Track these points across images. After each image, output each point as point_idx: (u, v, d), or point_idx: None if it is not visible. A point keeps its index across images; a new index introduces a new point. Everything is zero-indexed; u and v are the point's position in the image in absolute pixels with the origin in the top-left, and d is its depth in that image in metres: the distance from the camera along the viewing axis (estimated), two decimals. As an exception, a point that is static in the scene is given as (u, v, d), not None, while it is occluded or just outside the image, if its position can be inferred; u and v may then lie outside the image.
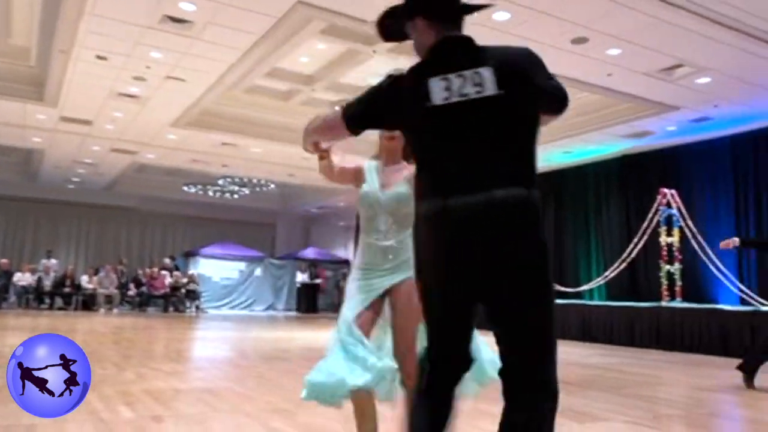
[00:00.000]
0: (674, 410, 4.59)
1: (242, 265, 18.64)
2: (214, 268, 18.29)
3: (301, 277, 18.26)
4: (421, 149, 1.75)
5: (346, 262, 20.04)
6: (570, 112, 10.24)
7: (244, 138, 11.73)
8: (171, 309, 16.45)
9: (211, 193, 18.57)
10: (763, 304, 8.86)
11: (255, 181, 16.92)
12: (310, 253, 19.79)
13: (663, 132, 10.20)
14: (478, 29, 6.78)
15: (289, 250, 21.31)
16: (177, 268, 17.67)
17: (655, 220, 10.09)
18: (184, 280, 17.00)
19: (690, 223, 9.82)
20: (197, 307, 16.80)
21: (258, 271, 18.71)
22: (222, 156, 13.46)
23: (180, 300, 16.68)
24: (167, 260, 17.95)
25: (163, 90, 9.27)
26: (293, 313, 17.84)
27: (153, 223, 20.12)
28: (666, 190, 10.07)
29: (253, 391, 4.60)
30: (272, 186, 17.82)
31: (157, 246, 20.16)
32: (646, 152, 11.17)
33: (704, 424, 4.19)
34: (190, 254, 18.98)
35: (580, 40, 7.01)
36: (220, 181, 17.14)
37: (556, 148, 11.17)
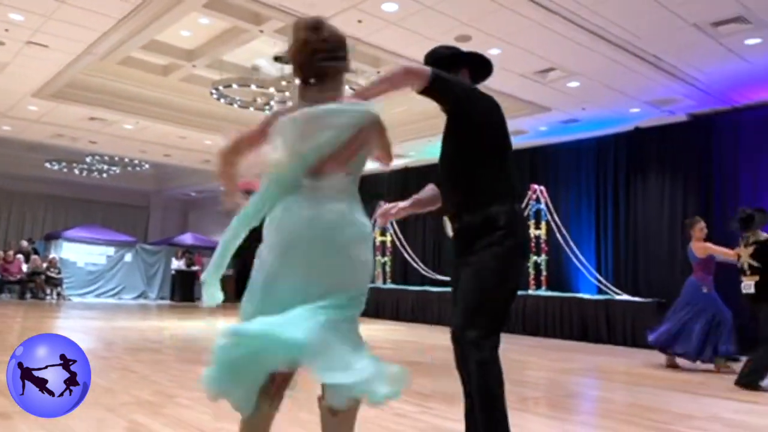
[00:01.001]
0: (538, 393, 4.90)
1: (110, 250, 17.47)
2: (78, 253, 16.98)
3: (177, 264, 17.45)
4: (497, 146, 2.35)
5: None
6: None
7: (116, 113, 10.96)
8: (29, 296, 15.11)
9: (77, 172, 17.27)
10: (617, 293, 9.69)
11: (127, 160, 15.91)
12: (187, 238, 18.95)
13: (535, 131, 10.82)
14: (368, 18, 6.80)
15: (164, 235, 20.29)
16: (36, 252, 16.24)
17: (525, 214, 10.70)
18: (44, 265, 15.67)
19: (556, 217, 10.52)
20: (58, 294, 15.55)
21: (128, 257, 17.62)
22: (90, 131, 12.49)
23: (39, 286, 15.36)
24: (24, 243, 16.46)
25: (23, 56, 8.41)
26: (167, 302, 17.03)
27: (11, 202, 18.36)
28: (536, 186, 10.70)
29: (116, 384, 4.31)
30: (146, 166, 16.85)
31: (14, 228, 18.44)
32: (519, 150, 11.79)
33: (564, 405, 4.50)
34: (52, 237, 17.49)
35: (463, 38, 7.22)
36: (88, 159, 15.96)
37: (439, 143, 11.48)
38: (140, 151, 14.30)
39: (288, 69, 9.47)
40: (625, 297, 9.48)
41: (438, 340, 8.82)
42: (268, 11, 6.90)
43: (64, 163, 16.84)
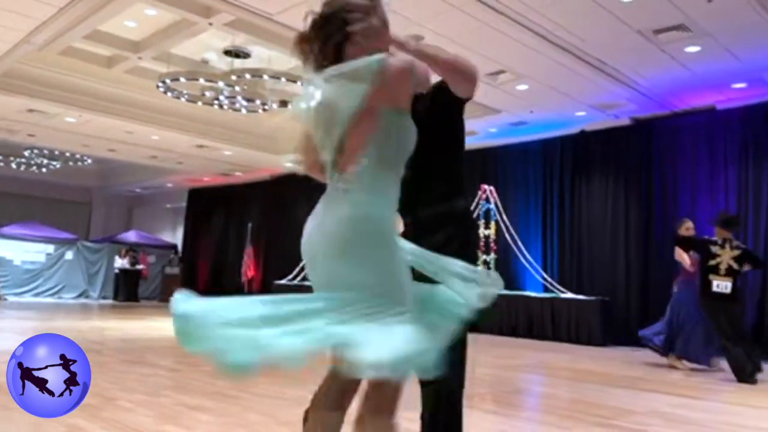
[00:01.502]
0: (484, 389, 4.96)
1: (50, 248, 16.80)
2: (15, 250, 16.26)
3: (120, 263, 16.92)
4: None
5: (173, 248, 18.96)
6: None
7: (57, 105, 10.52)
8: (-41, 295, 14.38)
9: (14, 166, 16.52)
10: (562, 292, 9.93)
11: (68, 154, 15.33)
12: (131, 236, 18.40)
13: (485, 133, 10.97)
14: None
15: (108, 232, 19.64)
16: (-32, 249, 15.48)
17: (475, 214, 10.84)
18: (-23, 263, 14.94)
19: (505, 217, 10.71)
20: (-7, 294, 14.86)
21: (69, 255, 16.98)
22: (29, 124, 11.96)
23: (-29, 285, 14.63)
24: (-45, 240, 15.66)
25: (-46, 42, 7.99)
26: (109, 302, 16.50)
27: (-62, 196, 17.44)
28: (486, 186, 10.86)
29: (54, 386, 4.13)
30: (89, 161, 16.28)
31: (-57, 223, 17.52)
32: (469, 151, 11.90)
33: (510, 401, 4.58)
34: (-14, 234, 16.71)
35: (416, 38, 7.23)
36: (26, 153, 15.29)
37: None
38: (83, 146, 13.79)
39: (237, 62, 9.31)
40: (570, 295, 9.73)
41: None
42: (219, 4, 6.76)
43: (0, 157, 16.10)
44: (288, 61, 9.10)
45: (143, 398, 3.92)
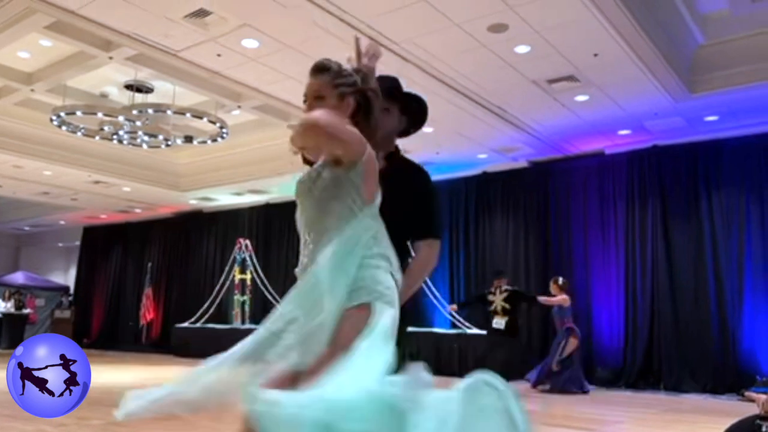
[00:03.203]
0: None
1: None
2: None
3: (4, 307, 15.58)
4: None
5: (65, 289, 17.73)
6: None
7: (-65, 138, 9.73)
8: None
9: None
10: (468, 328, 10.15)
11: (-53, 190, 14.09)
12: (18, 278, 17.04)
13: (394, 172, 11.18)
14: (227, 53, 6.70)
15: (-10, 273, 18.11)
16: None
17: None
18: None
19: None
20: None
21: (-56, 299, 15.47)
22: None
23: None
24: None
25: None
26: (-10, 349, 15.09)
27: None
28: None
29: None
30: (-29, 197, 15.04)
31: None
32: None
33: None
34: None
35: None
36: None
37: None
38: (-36, 181, 12.75)
39: (139, 97, 9.01)
40: (476, 331, 9.96)
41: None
42: (120, 38, 6.56)
43: None
44: (192, 96, 8.93)
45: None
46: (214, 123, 8.96)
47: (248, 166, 11.40)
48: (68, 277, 18.80)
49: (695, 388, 8.34)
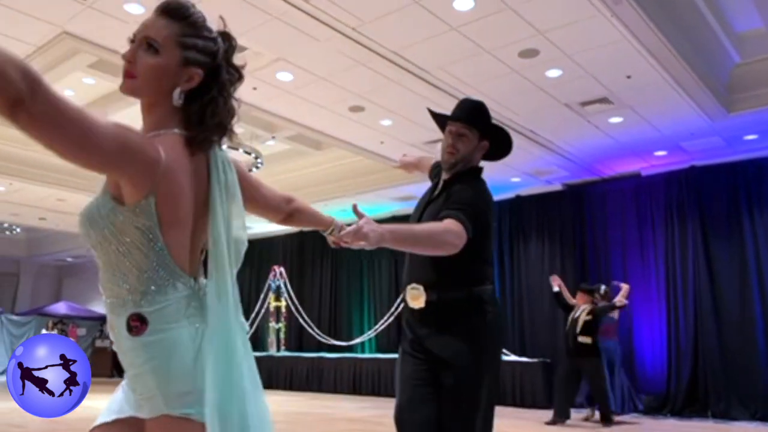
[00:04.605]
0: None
1: (-30, 323, 15.75)
2: (-70, 327, 15.15)
3: (48, 336, 15.98)
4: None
5: (104, 319, 18.09)
6: (347, 174, 10.73)
7: (-15, 174, 10.15)
8: None
9: (-67, 236, 15.64)
10: (506, 354, 9.99)
11: (-5, 223, 14.65)
12: (60, 308, 17.49)
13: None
14: (263, 86, 6.87)
15: (35, 304, 18.61)
16: None
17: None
18: None
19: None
20: None
21: (-9, 330, 15.96)
22: (-47, 193, 11.43)
23: None
24: None
25: None
26: (34, 378, 15.43)
27: None
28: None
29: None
30: (18, 230, 15.57)
31: None
32: (410, 214, 12.13)
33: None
34: None
35: (357, 108, 7.47)
36: (-52, 223, 14.53)
37: (335, 206, 11.61)
38: (12, 215, 13.23)
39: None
40: (513, 357, 9.80)
41: (337, 410, 8.62)
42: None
43: None
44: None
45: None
46: (249, 153, 9.15)
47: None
48: (109, 307, 19.19)
49: (744, 414, 8.03)
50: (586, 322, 7.40)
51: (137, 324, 1.30)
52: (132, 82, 1.38)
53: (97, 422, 1.48)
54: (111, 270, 1.35)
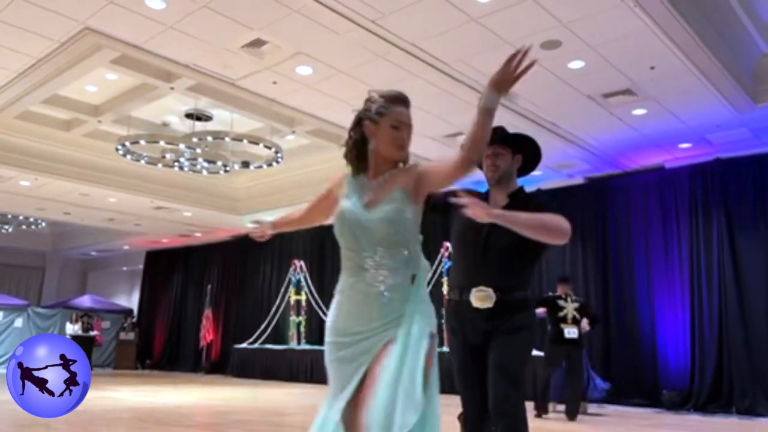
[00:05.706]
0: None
1: (-2, 315, 16.10)
2: (-40, 318, 15.52)
3: (72, 329, 16.26)
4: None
5: (129, 312, 18.37)
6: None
7: (11, 169, 10.30)
8: None
9: (-37, 230, 15.98)
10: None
11: (22, 218, 14.90)
12: (85, 301, 17.78)
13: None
14: (282, 80, 6.88)
15: (61, 297, 18.95)
16: None
17: (438, 272, 10.90)
18: None
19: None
20: (-67, 366, 14.03)
21: (18, 322, 16.25)
22: (-20, 188, 11.66)
23: None
24: None
25: None
26: (60, 370, 15.72)
27: None
28: (448, 244, 10.96)
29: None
30: (43, 224, 15.85)
31: None
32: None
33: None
34: (-71, 301, 15.92)
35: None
36: (-23, 217, 14.83)
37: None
38: (37, 209, 13.46)
39: (199, 125, 9.34)
40: (535, 353, 9.72)
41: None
42: (180, 69, 6.84)
43: (-52, 221, 15.56)
44: (249, 122, 9.20)
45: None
46: (269, 148, 9.19)
47: (302, 188, 11.59)
48: (132, 300, 19.48)
49: (771, 411, 7.90)
50: (574, 316, 7.50)
51: None
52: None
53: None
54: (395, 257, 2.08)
